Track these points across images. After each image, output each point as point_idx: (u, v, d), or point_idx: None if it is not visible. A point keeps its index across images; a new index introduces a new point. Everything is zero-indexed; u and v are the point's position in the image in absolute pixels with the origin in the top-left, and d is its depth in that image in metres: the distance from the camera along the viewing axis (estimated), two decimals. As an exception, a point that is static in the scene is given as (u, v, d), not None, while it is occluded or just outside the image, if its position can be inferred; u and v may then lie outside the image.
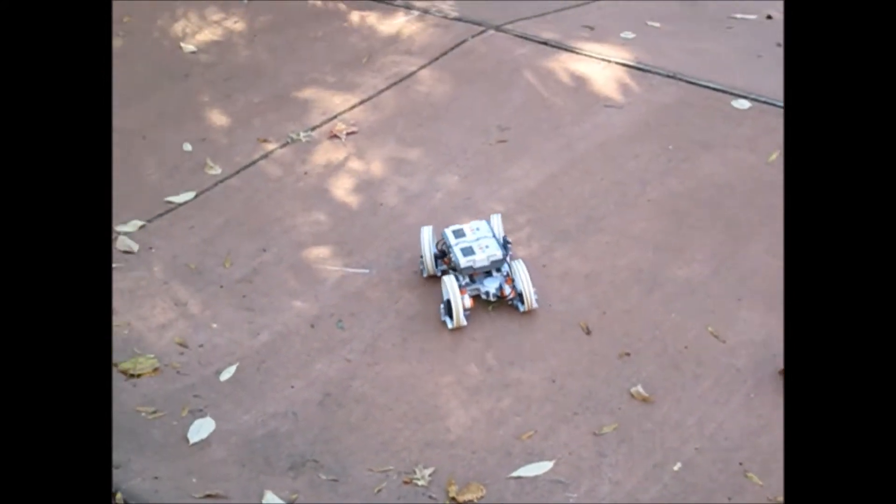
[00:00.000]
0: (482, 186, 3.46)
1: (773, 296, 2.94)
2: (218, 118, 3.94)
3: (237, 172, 3.65)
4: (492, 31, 4.21)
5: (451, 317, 2.95)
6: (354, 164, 3.63)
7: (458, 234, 3.11)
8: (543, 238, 3.23)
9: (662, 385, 2.68)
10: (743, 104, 3.65)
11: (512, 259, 3.07)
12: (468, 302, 2.99)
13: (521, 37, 4.16)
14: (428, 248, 3.11)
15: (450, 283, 2.96)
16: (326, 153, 3.70)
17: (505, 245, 3.09)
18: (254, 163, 3.68)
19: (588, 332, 2.88)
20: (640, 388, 2.67)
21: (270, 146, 3.76)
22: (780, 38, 4.21)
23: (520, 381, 2.73)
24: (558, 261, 3.13)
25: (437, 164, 3.59)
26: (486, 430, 2.59)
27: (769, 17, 4.48)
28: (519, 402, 2.66)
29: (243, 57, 4.34)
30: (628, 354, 2.79)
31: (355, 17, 4.46)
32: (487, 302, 3.04)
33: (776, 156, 3.41)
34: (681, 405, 2.62)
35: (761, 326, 2.84)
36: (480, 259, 3.03)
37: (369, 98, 3.96)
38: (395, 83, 4.01)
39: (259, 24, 4.55)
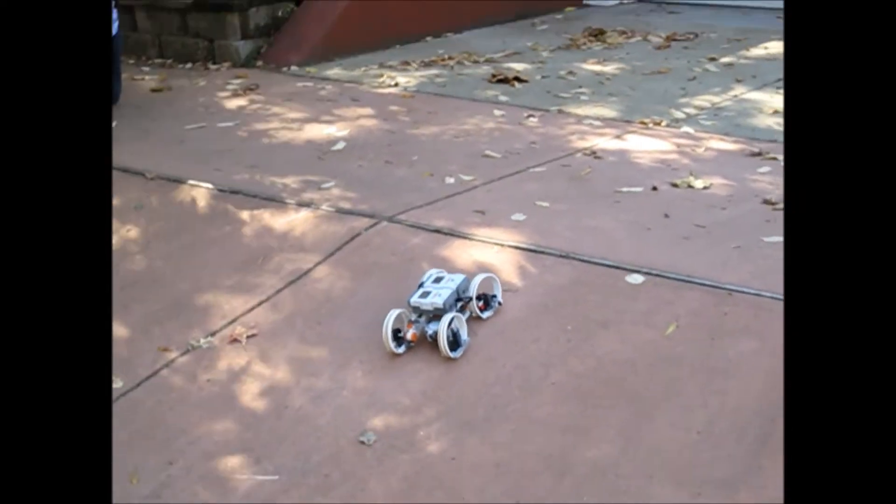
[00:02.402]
0: (386, 381, 3.47)
1: (683, 470, 2.96)
2: (116, 329, 3.91)
3: (139, 384, 3.62)
4: (384, 223, 4.26)
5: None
6: (257, 368, 3.63)
7: (437, 280, 3.65)
8: (450, 430, 3.23)
9: (581, 573, 2.67)
10: (637, 279, 3.71)
11: (462, 311, 3.59)
12: (410, 335, 3.53)
13: (414, 226, 4.21)
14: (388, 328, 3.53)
15: (389, 315, 3.52)
16: (228, 358, 3.69)
17: (461, 301, 3.59)
18: (156, 373, 3.66)
19: (503, 524, 2.87)
20: (559, 578, 2.67)
21: (172, 355, 3.74)
22: (667, 209, 4.31)
23: (438, 581, 2.71)
24: (467, 452, 3.14)
25: (341, 360, 3.59)
26: None
27: (654, 188, 4.58)
28: None
29: (139, 265, 4.34)
30: (544, 544, 2.79)
31: (247, 216, 4.49)
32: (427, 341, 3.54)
33: (673, 328, 3.47)
34: (601, 592, 2.62)
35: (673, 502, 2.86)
36: (426, 303, 3.53)
37: (268, 299, 3.96)
38: (292, 282, 4.03)
39: (153, 230, 4.56)
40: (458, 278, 3.65)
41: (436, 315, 3.53)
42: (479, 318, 3.66)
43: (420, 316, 3.58)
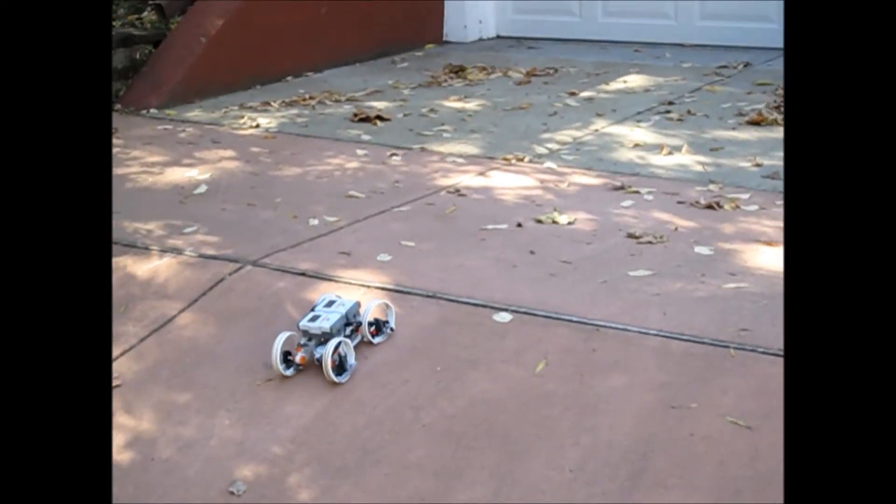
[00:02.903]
0: (255, 429, 3.41)
1: (557, 510, 2.95)
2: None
3: (-2, 442, 3.51)
4: (249, 267, 4.20)
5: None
6: (122, 419, 3.54)
7: (328, 304, 3.66)
8: (322, 477, 3.18)
9: None
10: (504, 317, 3.71)
11: (353, 336, 3.61)
12: (299, 358, 3.53)
13: (279, 269, 4.16)
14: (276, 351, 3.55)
15: (279, 337, 3.55)
16: (91, 411, 3.59)
17: (350, 325, 3.61)
18: (15, 429, 3.55)
19: (378, 572, 2.83)
20: None
21: (31, 410, 3.63)
22: (533, 245, 4.32)
23: None
24: (339, 499, 3.10)
25: (208, 409, 3.53)
26: None
27: (519, 224, 4.60)
28: None
29: (-5, 317, 4.22)
30: (420, 590, 2.75)
31: (109, 264, 4.39)
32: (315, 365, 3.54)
33: (542, 366, 3.47)
34: None
35: (549, 544, 2.85)
36: (314, 327, 3.53)
37: (131, 348, 3.88)
38: (155, 330, 3.95)
39: (9, 281, 4.44)
40: (349, 303, 3.67)
41: (324, 339, 3.54)
42: (370, 343, 3.67)
43: (309, 339, 3.58)
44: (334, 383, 3.50)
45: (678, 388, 3.30)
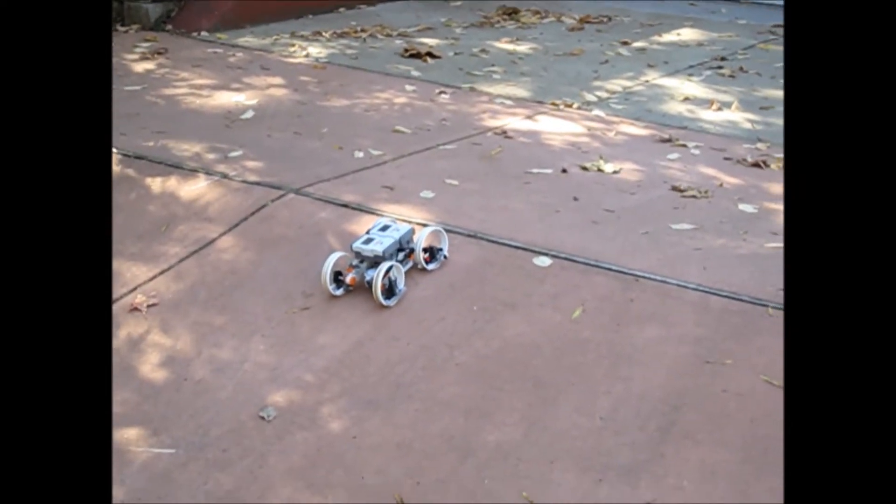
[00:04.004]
0: (290, 357, 3.42)
1: (585, 456, 2.95)
2: (13, 294, 3.82)
3: (35, 351, 3.53)
4: (292, 195, 4.20)
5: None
6: (157, 338, 3.56)
7: (383, 228, 3.72)
8: (353, 408, 3.19)
9: (480, 557, 2.66)
10: (544, 261, 3.70)
11: (405, 262, 3.69)
12: (349, 279, 3.59)
13: (322, 199, 4.16)
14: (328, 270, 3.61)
15: (330, 257, 3.61)
16: (128, 327, 3.61)
17: (403, 251, 3.68)
18: (52, 340, 3.57)
19: (403, 505, 2.85)
20: (458, 562, 2.64)
21: (69, 322, 3.66)
22: (577, 192, 4.30)
23: (336, 562, 2.67)
24: (369, 431, 3.10)
25: (243, 334, 3.54)
26: None
27: (564, 170, 4.57)
28: (336, 584, 2.61)
29: (38, 228, 4.24)
30: (445, 526, 2.76)
31: (152, 183, 4.40)
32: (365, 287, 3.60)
33: (579, 312, 3.46)
34: (500, 576, 2.60)
35: (575, 489, 2.85)
36: (367, 249, 3.59)
37: (170, 267, 3.89)
38: (195, 251, 3.96)
39: (53, 193, 4.45)
40: (404, 229, 3.73)
41: (376, 262, 3.59)
42: (424, 269, 3.73)
43: (361, 262, 3.64)
44: (382, 306, 3.55)
45: (714, 344, 3.29)
